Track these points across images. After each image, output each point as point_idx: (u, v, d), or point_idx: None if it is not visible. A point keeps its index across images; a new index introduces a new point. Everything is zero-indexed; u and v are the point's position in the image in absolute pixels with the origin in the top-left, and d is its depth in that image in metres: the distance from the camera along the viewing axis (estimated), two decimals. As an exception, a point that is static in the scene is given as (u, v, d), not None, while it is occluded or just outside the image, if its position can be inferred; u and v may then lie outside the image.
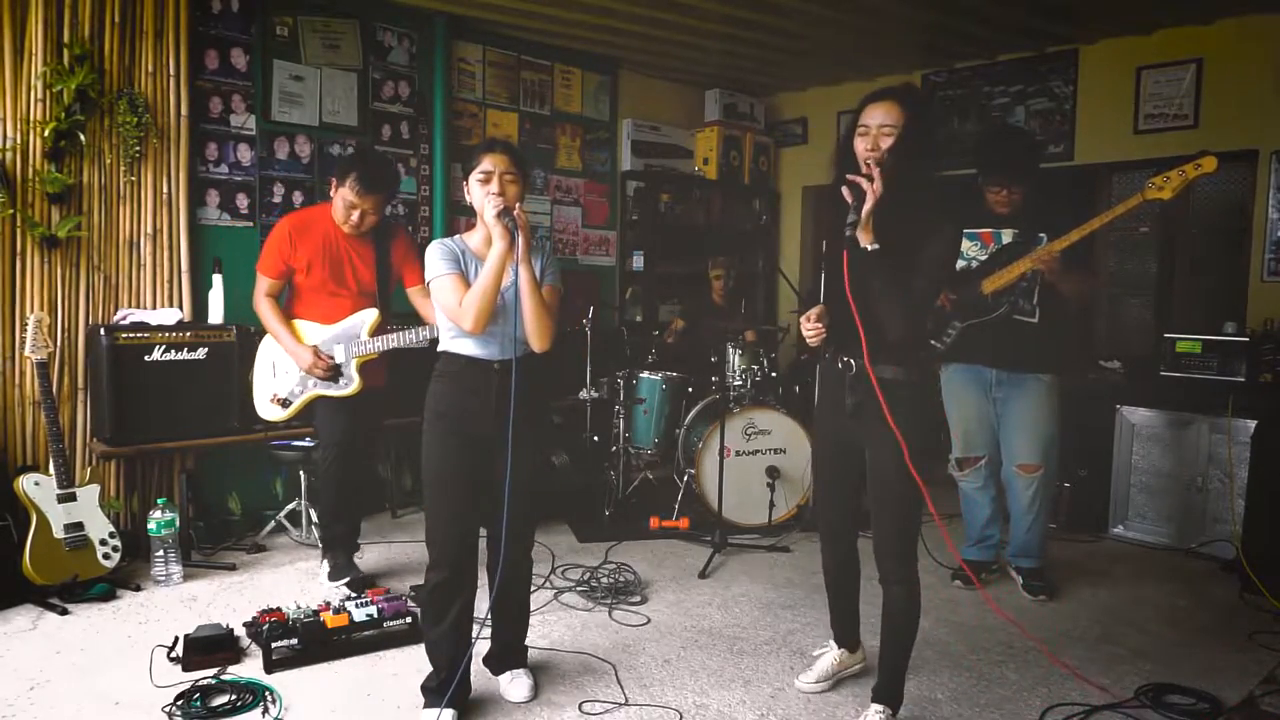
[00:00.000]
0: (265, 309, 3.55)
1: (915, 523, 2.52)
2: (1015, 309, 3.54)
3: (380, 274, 3.59)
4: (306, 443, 4.11)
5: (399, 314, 3.82)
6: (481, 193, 2.49)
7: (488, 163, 2.49)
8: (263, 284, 3.56)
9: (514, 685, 2.75)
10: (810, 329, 2.47)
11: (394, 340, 3.48)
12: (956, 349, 3.59)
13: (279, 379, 3.59)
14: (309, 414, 3.65)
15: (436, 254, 2.54)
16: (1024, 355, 3.57)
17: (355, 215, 3.45)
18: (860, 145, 2.37)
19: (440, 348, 2.62)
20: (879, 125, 2.34)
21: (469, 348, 2.54)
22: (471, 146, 2.61)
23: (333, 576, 3.61)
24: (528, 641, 2.87)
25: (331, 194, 3.51)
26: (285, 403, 3.57)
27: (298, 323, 3.57)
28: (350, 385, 3.52)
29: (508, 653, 2.80)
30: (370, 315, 3.54)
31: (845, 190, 2.30)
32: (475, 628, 2.67)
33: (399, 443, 4.73)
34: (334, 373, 3.51)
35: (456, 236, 2.63)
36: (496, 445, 2.54)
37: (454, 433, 2.54)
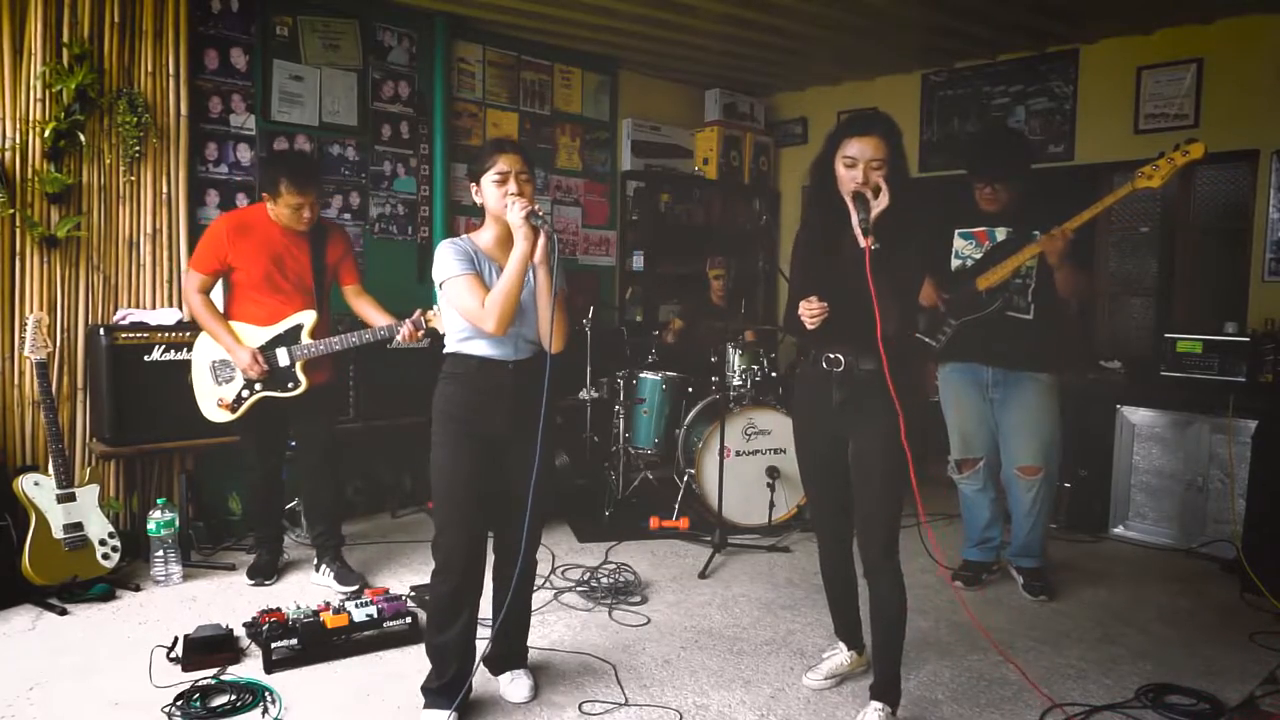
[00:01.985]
0: (199, 304, 3.48)
1: (898, 511, 2.59)
2: (1009, 305, 3.54)
3: (316, 270, 3.57)
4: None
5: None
6: (498, 193, 2.48)
7: (503, 163, 2.48)
8: (194, 279, 3.50)
9: (514, 686, 2.75)
10: (815, 309, 2.51)
11: (336, 344, 3.46)
12: (953, 348, 3.59)
13: (222, 385, 3.55)
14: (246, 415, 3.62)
15: (450, 254, 2.49)
16: (1020, 353, 3.57)
17: (305, 212, 3.45)
18: (848, 174, 2.50)
19: (448, 350, 2.59)
20: (868, 160, 2.47)
21: (481, 348, 2.51)
22: (477, 146, 2.60)
23: (251, 574, 3.72)
24: (529, 642, 2.86)
25: (269, 205, 3.47)
26: (233, 406, 3.54)
27: (235, 324, 3.51)
28: (298, 388, 3.50)
29: (509, 653, 2.79)
30: (309, 317, 3.51)
31: (850, 202, 2.48)
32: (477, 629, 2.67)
33: (398, 443, 4.72)
34: (275, 374, 3.49)
35: (463, 236, 2.60)
36: (510, 446, 2.54)
37: (467, 435, 2.52)
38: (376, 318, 3.58)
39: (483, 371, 2.52)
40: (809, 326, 2.55)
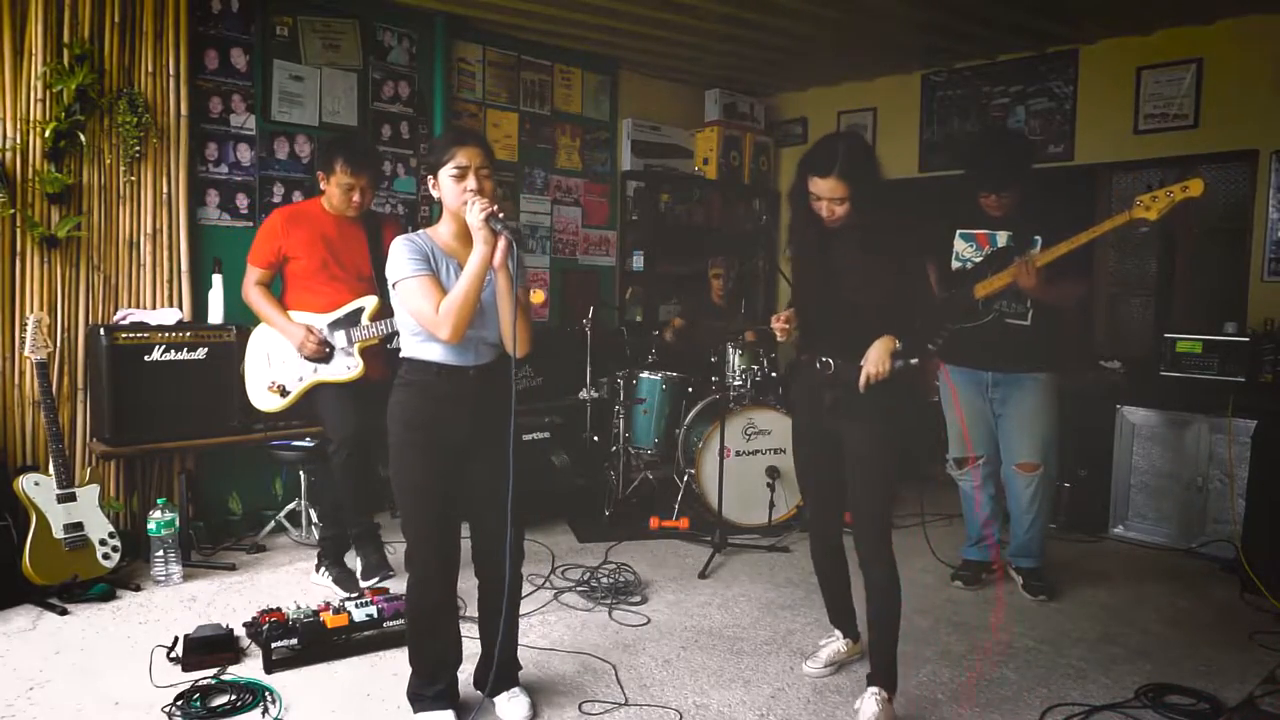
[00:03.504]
0: (256, 294, 3.54)
1: (890, 505, 2.70)
2: (1005, 313, 3.54)
3: (374, 258, 3.55)
4: (306, 443, 4.11)
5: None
6: (456, 189, 2.35)
7: (462, 157, 2.34)
8: (253, 274, 3.55)
9: (513, 704, 2.63)
10: (778, 328, 2.75)
11: (395, 323, 3.42)
12: (952, 352, 3.59)
13: (275, 367, 3.55)
14: (310, 409, 3.61)
15: (405, 252, 2.34)
16: (1019, 357, 3.58)
17: (355, 196, 3.46)
18: (814, 206, 2.60)
19: (404, 353, 2.45)
20: (829, 198, 2.55)
21: (437, 353, 2.39)
22: (438, 139, 2.45)
23: (366, 575, 3.61)
24: (528, 642, 2.84)
25: (323, 187, 3.51)
26: (284, 390, 3.52)
27: (294, 314, 3.52)
28: (355, 369, 3.47)
29: (503, 671, 2.63)
30: (370, 300, 3.51)
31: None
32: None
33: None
34: (329, 354, 3.48)
35: (421, 232, 2.46)
36: (473, 453, 2.46)
37: (430, 444, 2.41)
38: None
39: (442, 379, 2.39)
40: (778, 338, 2.76)
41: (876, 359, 2.57)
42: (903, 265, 2.64)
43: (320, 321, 3.51)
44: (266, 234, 3.54)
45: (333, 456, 3.52)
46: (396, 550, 4.17)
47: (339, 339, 3.50)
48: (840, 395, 2.66)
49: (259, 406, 3.61)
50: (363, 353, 3.49)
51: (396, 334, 3.36)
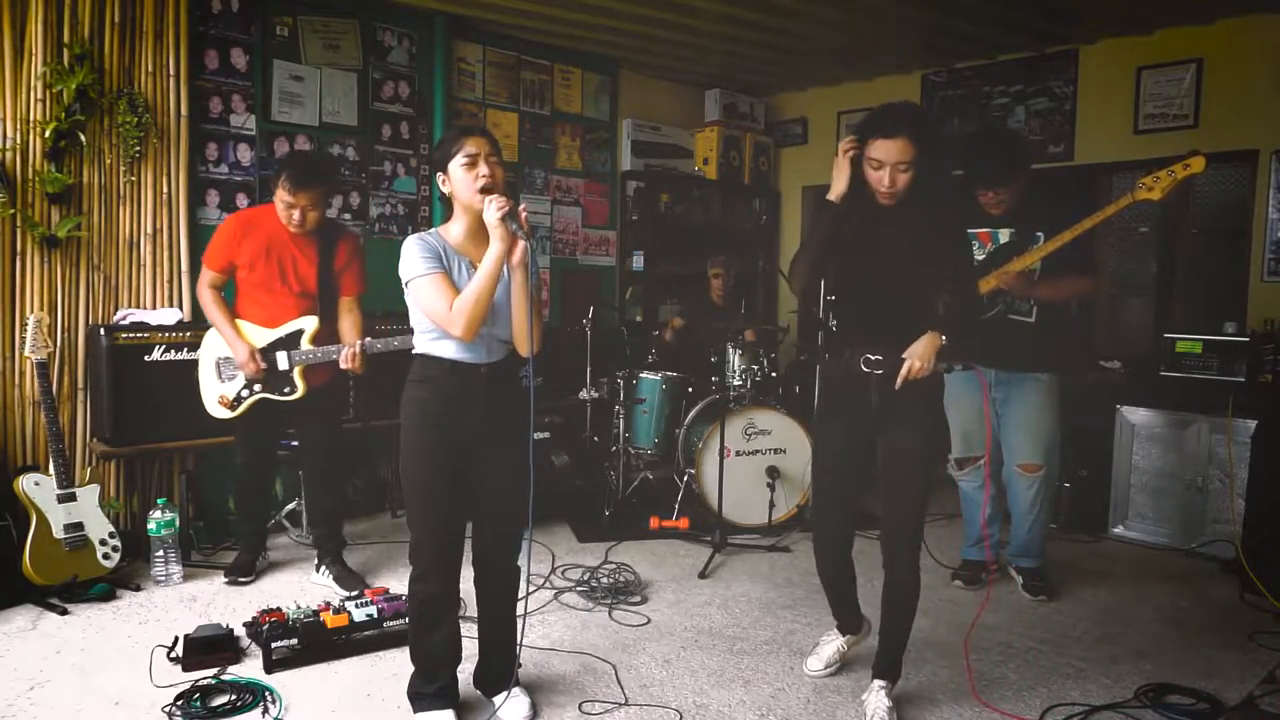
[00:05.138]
0: (208, 299, 3.51)
1: (928, 502, 2.66)
2: (1010, 309, 3.55)
3: (322, 275, 3.52)
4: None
5: (377, 315, 3.94)
6: (469, 178, 2.35)
7: (471, 146, 2.35)
8: (205, 275, 3.53)
9: (513, 704, 2.61)
10: (846, 147, 2.46)
11: (334, 352, 3.38)
12: (954, 350, 3.59)
13: (225, 382, 3.56)
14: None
15: (417, 251, 2.36)
16: (1021, 355, 3.58)
17: (295, 214, 3.39)
18: (874, 177, 2.47)
19: (417, 350, 2.48)
20: (895, 163, 2.41)
21: (451, 350, 2.40)
22: (443, 137, 2.48)
23: (229, 571, 3.70)
24: (528, 642, 2.84)
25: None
26: (233, 404, 3.55)
27: (242, 324, 3.51)
28: (295, 392, 3.48)
29: (503, 672, 2.64)
30: (310, 322, 3.48)
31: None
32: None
33: (398, 443, 4.72)
34: (274, 377, 3.47)
35: (432, 230, 2.48)
36: (482, 449, 2.47)
37: (441, 441, 2.43)
38: (347, 336, 3.49)
39: (455, 375, 2.41)
40: (842, 162, 2.46)
41: (923, 354, 2.45)
42: (953, 258, 2.53)
43: (264, 338, 3.48)
44: (220, 238, 3.50)
45: (238, 468, 3.78)
46: (394, 548, 4.18)
47: (280, 359, 3.46)
48: (888, 397, 2.52)
49: (212, 414, 3.60)
50: (304, 373, 3.47)
51: (334, 361, 3.37)
